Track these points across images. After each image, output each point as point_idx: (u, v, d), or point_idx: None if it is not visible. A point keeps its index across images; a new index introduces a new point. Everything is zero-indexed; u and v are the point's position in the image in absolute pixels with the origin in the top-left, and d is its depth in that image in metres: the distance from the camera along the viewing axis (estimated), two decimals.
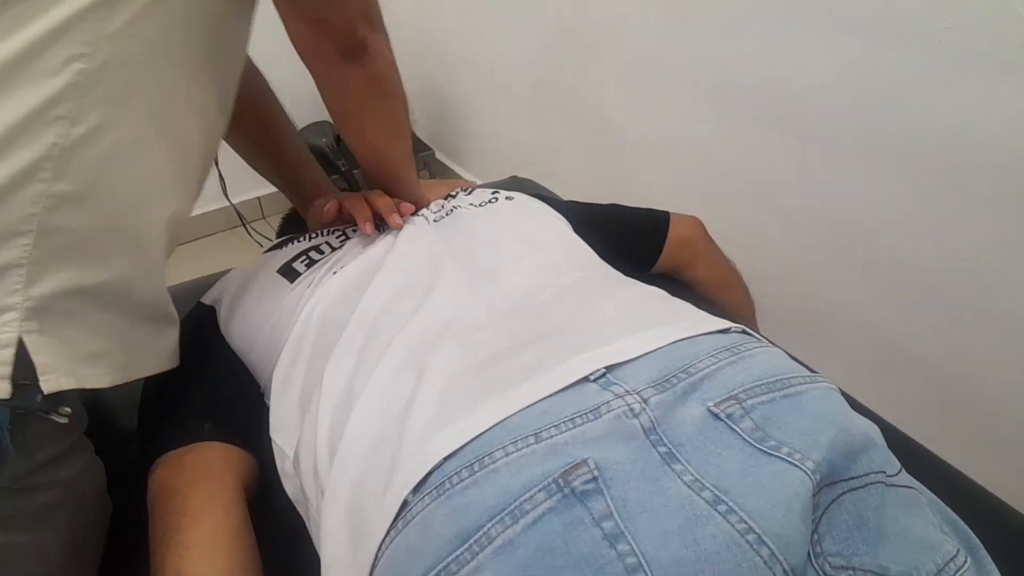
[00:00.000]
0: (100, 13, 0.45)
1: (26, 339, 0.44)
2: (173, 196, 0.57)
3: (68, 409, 0.48)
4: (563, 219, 0.78)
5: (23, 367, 0.44)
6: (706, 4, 1.11)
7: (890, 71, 0.87)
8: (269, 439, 0.58)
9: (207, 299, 0.74)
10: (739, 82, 1.11)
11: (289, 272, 0.68)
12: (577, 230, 0.77)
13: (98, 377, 0.50)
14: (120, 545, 0.59)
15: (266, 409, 0.59)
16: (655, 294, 0.61)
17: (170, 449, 0.58)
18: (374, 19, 0.63)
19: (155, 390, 0.65)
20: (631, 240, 0.85)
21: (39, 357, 0.45)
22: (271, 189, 0.90)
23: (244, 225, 1.89)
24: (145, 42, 0.48)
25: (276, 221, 0.83)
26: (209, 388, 0.65)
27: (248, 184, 1.97)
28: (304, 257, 0.70)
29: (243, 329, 0.67)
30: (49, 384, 0.45)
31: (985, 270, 0.86)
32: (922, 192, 0.89)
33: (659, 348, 0.47)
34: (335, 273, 0.64)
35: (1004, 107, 0.77)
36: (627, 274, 0.70)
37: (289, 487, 0.56)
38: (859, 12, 0.88)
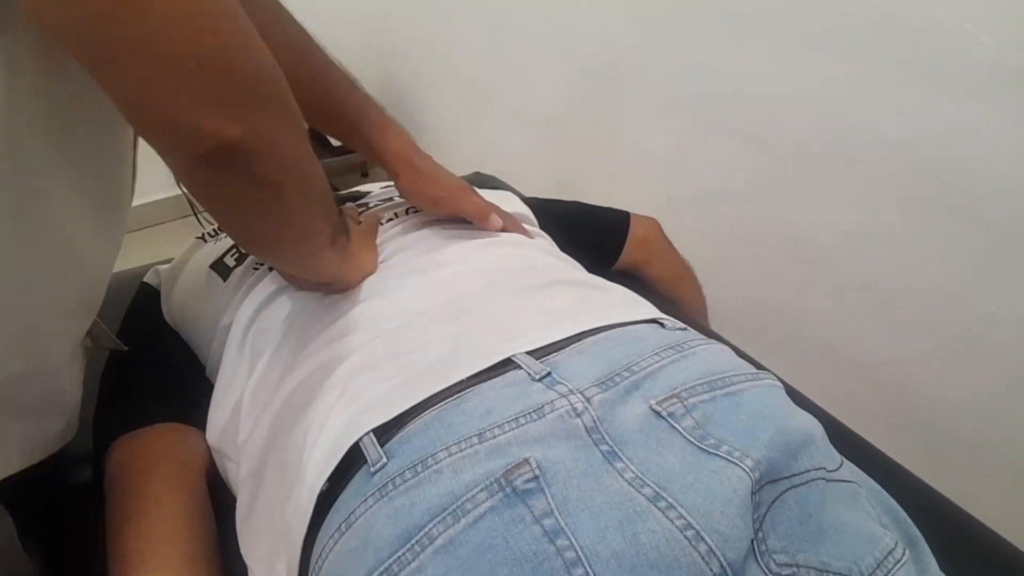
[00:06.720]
0: None
1: None
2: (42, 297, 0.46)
3: None
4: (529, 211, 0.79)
5: None
6: (665, 15, 1.13)
7: (842, 84, 0.90)
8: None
9: (152, 280, 0.73)
10: (696, 91, 1.13)
11: (222, 268, 0.67)
12: (540, 225, 0.78)
13: None
14: (77, 527, 0.57)
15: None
16: (605, 287, 0.61)
17: (128, 430, 0.56)
18: (242, 93, 0.35)
19: (109, 374, 0.64)
20: (593, 238, 0.87)
21: None
22: None
23: (195, 214, 1.82)
24: None
25: None
26: (163, 370, 0.64)
27: None
28: (235, 250, 0.69)
29: (184, 320, 0.67)
30: None
31: (922, 277, 0.89)
32: (866, 201, 0.92)
33: (586, 332, 0.48)
34: (272, 269, 0.63)
35: (947, 121, 0.80)
36: (587, 270, 0.70)
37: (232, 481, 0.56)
38: (814, 26, 0.91)
